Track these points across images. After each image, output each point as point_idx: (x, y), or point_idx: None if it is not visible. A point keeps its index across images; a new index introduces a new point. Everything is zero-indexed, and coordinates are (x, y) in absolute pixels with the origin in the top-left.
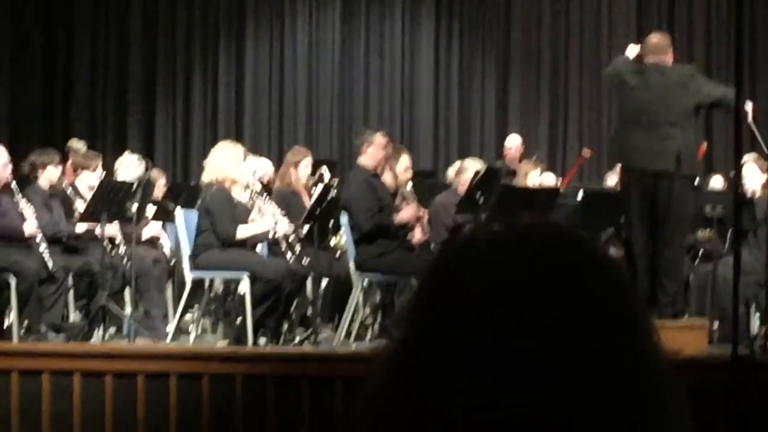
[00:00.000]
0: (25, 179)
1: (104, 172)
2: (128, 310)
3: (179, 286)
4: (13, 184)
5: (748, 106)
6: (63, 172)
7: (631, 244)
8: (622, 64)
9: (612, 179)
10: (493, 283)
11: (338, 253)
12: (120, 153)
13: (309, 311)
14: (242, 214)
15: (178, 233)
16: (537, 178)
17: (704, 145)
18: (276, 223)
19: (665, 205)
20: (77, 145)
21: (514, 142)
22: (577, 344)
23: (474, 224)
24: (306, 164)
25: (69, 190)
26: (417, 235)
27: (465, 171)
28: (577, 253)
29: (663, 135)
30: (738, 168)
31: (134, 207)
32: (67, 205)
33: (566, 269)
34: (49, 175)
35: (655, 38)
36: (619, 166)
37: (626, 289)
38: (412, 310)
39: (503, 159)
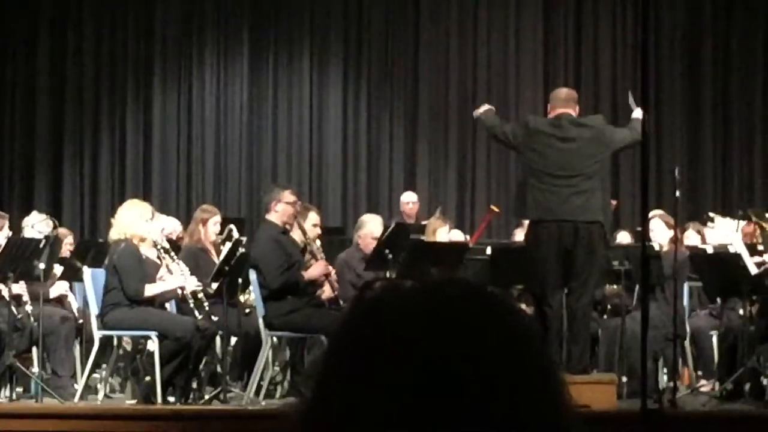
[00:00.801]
0: None
1: (11, 232)
2: (36, 369)
3: (87, 344)
4: None
5: (638, 112)
6: None
7: (542, 298)
8: (529, 121)
9: (519, 235)
10: (404, 340)
11: (247, 310)
12: (27, 212)
13: (218, 369)
14: (150, 271)
15: (86, 291)
16: (446, 234)
17: (614, 203)
18: (184, 281)
19: (581, 258)
20: None
21: (410, 198)
22: (488, 399)
23: (383, 282)
24: (214, 221)
25: None
26: (326, 292)
27: (363, 226)
28: (488, 309)
29: (582, 187)
30: (645, 223)
31: (41, 265)
32: None
33: (477, 325)
34: None
35: (564, 91)
36: (527, 222)
37: (537, 344)
38: (323, 367)
39: (401, 215)
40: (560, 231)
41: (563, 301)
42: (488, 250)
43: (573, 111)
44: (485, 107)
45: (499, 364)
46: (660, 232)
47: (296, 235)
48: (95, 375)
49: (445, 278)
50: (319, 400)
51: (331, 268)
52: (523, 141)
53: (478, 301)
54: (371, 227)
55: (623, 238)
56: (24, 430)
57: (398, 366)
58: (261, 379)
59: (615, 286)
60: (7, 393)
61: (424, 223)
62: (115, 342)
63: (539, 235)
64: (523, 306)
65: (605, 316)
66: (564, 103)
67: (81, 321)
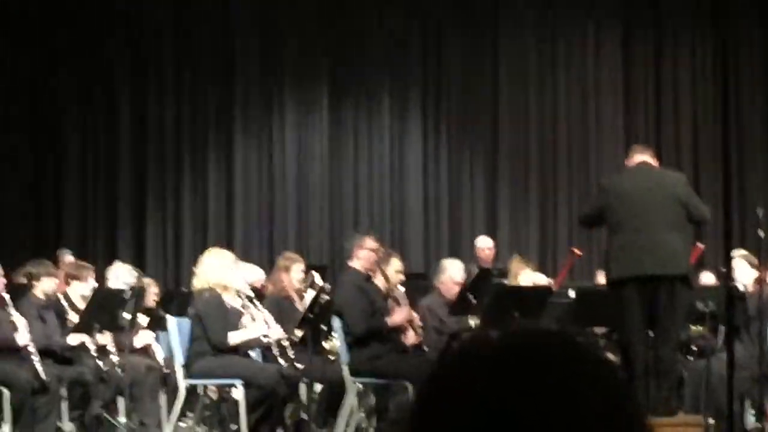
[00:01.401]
0: (17, 289)
1: (96, 283)
2: (122, 419)
3: (172, 393)
4: (5, 295)
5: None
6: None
7: (627, 344)
8: (603, 183)
9: (602, 277)
10: (493, 392)
11: (332, 356)
12: (111, 262)
13: (304, 416)
14: (234, 320)
15: (170, 341)
16: (528, 277)
17: (700, 246)
18: (268, 328)
19: (666, 307)
20: (65, 255)
21: (486, 244)
22: None
23: (471, 333)
24: (297, 269)
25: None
26: (410, 338)
27: (444, 271)
28: (578, 360)
29: (663, 236)
30: (729, 264)
31: (127, 316)
32: (60, 315)
33: (568, 378)
34: (44, 286)
35: (641, 145)
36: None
37: (624, 392)
38: (411, 419)
39: (476, 261)
40: (644, 282)
41: (648, 343)
42: (571, 293)
43: (651, 160)
44: None
45: (587, 412)
46: (744, 273)
47: (379, 281)
48: (181, 424)
49: (531, 328)
50: None
51: (414, 313)
52: (605, 203)
53: (566, 352)
54: (452, 272)
55: (707, 278)
56: None
57: (487, 420)
58: (347, 425)
59: (700, 328)
60: None
61: (505, 267)
62: (201, 391)
63: (622, 283)
64: (608, 354)
65: (690, 358)
66: (642, 152)
67: (166, 370)
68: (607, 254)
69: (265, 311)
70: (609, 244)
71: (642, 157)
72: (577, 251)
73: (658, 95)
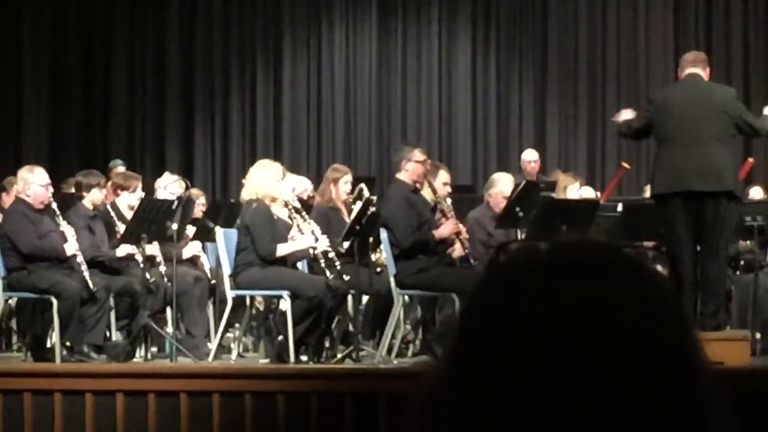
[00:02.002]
0: (67, 200)
1: (144, 193)
2: (170, 329)
3: (220, 304)
4: (54, 206)
5: None
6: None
7: (675, 257)
8: (653, 97)
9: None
10: (540, 304)
11: (378, 269)
12: (159, 173)
13: (350, 328)
14: (282, 231)
15: (218, 252)
16: (576, 191)
17: (750, 160)
18: (315, 240)
19: (712, 222)
20: (118, 166)
21: (531, 156)
22: (627, 362)
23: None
24: (345, 181)
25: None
26: (457, 251)
27: (495, 184)
28: (624, 270)
29: (712, 153)
30: None
31: (174, 226)
32: (109, 225)
33: (614, 288)
34: (93, 197)
35: (693, 54)
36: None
37: (672, 303)
38: (457, 329)
39: (521, 173)
40: (691, 198)
41: (697, 259)
42: (619, 207)
43: (703, 72)
44: (626, 114)
45: (636, 324)
46: None
47: (426, 193)
48: (228, 335)
49: (580, 239)
50: (453, 362)
51: (461, 226)
52: (653, 116)
53: (614, 263)
54: (502, 186)
55: (756, 193)
56: (158, 389)
57: (533, 329)
58: (393, 337)
59: (748, 242)
60: (143, 353)
61: (552, 180)
62: (248, 302)
63: (669, 197)
64: (657, 265)
65: (738, 272)
66: (692, 63)
67: (214, 281)
68: (654, 168)
69: (313, 223)
70: (656, 157)
71: (692, 69)
72: (626, 165)
73: (709, 8)
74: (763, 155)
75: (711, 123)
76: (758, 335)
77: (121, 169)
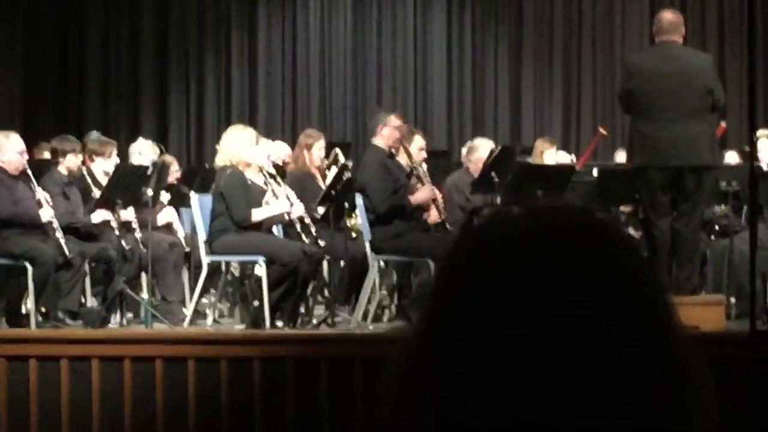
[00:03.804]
0: (42, 166)
1: (119, 159)
2: (145, 295)
3: (195, 270)
4: (29, 172)
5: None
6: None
7: (651, 222)
8: (628, 62)
9: (621, 156)
10: (513, 268)
11: (354, 234)
12: (134, 139)
13: (326, 293)
14: (257, 197)
15: (193, 217)
16: (553, 156)
17: (723, 125)
18: (291, 205)
19: (691, 192)
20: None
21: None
22: (600, 325)
23: (492, 209)
24: (319, 146)
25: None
26: (432, 216)
27: (476, 150)
28: (596, 234)
29: (690, 127)
30: (752, 143)
31: (149, 192)
32: (84, 192)
33: (587, 252)
34: (68, 163)
35: (669, 15)
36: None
37: (645, 267)
38: (431, 293)
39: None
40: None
41: (672, 223)
42: (595, 172)
43: (677, 37)
44: None
45: (609, 289)
46: (767, 151)
47: (402, 158)
48: (204, 300)
49: (553, 203)
50: (427, 326)
51: (437, 191)
52: (627, 86)
53: (588, 228)
54: (483, 152)
55: (731, 158)
56: (134, 354)
57: (508, 293)
58: (368, 303)
59: (723, 207)
60: (118, 319)
61: (525, 146)
62: (223, 267)
63: (646, 174)
64: (630, 230)
65: (713, 237)
66: (668, 30)
67: (188, 249)
68: (631, 139)
69: (288, 188)
70: (632, 129)
71: (668, 36)
72: (603, 130)
73: None
74: (738, 119)
75: (689, 95)
76: (733, 300)
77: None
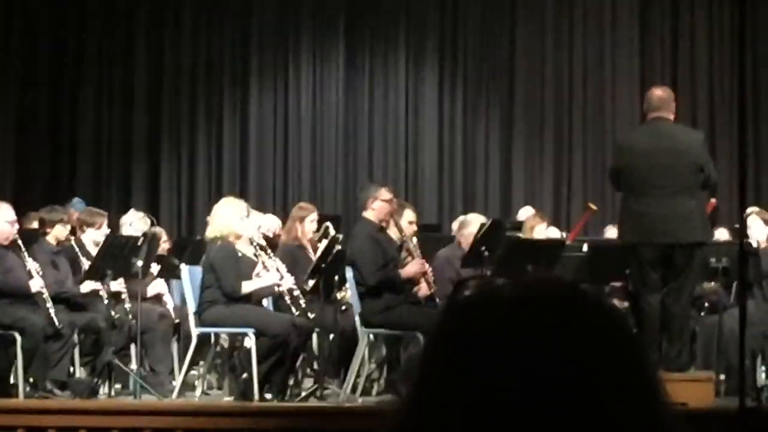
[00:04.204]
0: (30, 236)
1: (109, 230)
2: (134, 366)
3: (185, 342)
4: (19, 241)
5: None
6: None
7: (641, 297)
8: (619, 139)
9: (611, 232)
10: (501, 335)
11: (344, 307)
12: (125, 211)
13: (315, 366)
14: (247, 269)
15: (183, 289)
16: (543, 231)
17: (713, 201)
18: (281, 278)
19: (681, 268)
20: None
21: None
22: (587, 401)
23: (479, 280)
24: (311, 219)
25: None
26: (423, 290)
27: (468, 225)
28: (583, 308)
29: (681, 204)
30: (743, 220)
31: (139, 263)
32: (74, 262)
33: (573, 325)
34: (56, 233)
35: (659, 92)
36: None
37: (633, 342)
38: (419, 366)
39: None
40: (658, 249)
41: (662, 299)
42: (585, 247)
43: (669, 113)
44: None
45: (597, 365)
46: (757, 229)
47: (392, 232)
48: (193, 372)
49: (539, 277)
50: (416, 399)
51: (427, 265)
52: (618, 163)
53: (573, 300)
54: (474, 227)
55: (721, 234)
56: (122, 426)
57: (494, 366)
58: (357, 376)
59: (712, 284)
60: (106, 390)
61: (521, 220)
62: (213, 339)
63: (637, 250)
64: (616, 301)
65: (703, 314)
66: (659, 107)
67: (177, 320)
68: (622, 216)
69: (278, 260)
70: (623, 206)
71: (658, 113)
72: (593, 206)
73: (675, 48)
74: (728, 196)
75: (680, 172)
76: (722, 376)
77: (80, 207)
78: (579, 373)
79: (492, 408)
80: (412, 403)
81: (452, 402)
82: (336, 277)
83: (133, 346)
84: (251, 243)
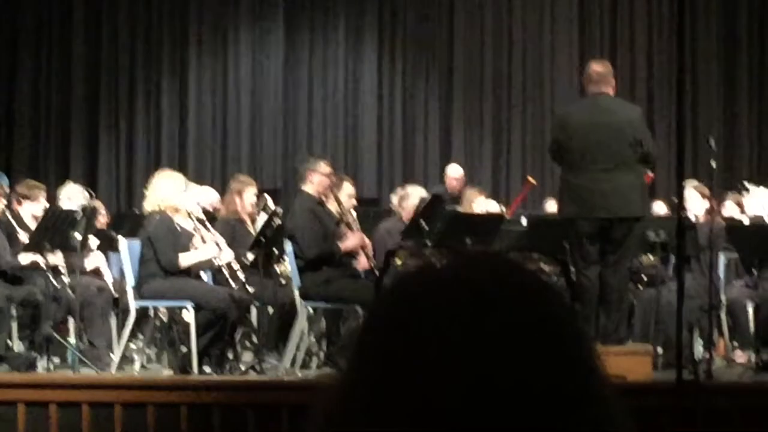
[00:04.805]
0: None
1: (47, 203)
2: (72, 340)
3: (123, 315)
4: None
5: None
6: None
7: (577, 269)
8: (559, 115)
9: (551, 205)
10: (437, 322)
11: (283, 280)
12: (63, 183)
13: (254, 339)
14: (185, 242)
15: (121, 262)
16: (482, 204)
17: (650, 174)
18: (219, 250)
19: (619, 242)
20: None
21: (456, 173)
22: (522, 376)
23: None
24: (250, 192)
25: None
26: (362, 263)
27: (408, 198)
28: (520, 286)
29: (620, 179)
30: (680, 193)
31: (78, 236)
32: (10, 235)
33: (509, 304)
34: None
35: (598, 67)
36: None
37: (570, 318)
38: (357, 343)
39: (444, 186)
40: (596, 223)
41: (599, 273)
42: (524, 221)
43: (609, 87)
44: None
45: (535, 342)
46: (695, 203)
47: (332, 206)
48: (132, 345)
49: (476, 253)
50: (354, 374)
51: (366, 239)
52: (557, 137)
53: (509, 279)
54: (415, 200)
55: (659, 208)
56: (61, 400)
57: (432, 348)
58: (297, 349)
59: (651, 257)
60: (45, 363)
61: (456, 195)
62: (152, 312)
63: (576, 224)
64: (558, 280)
65: (641, 287)
66: (598, 82)
67: (116, 294)
68: (561, 190)
69: (217, 234)
70: (562, 180)
71: (598, 88)
72: (532, 180)
73: (614, 23)
74: (666, 170)
75: (619, 147)
76: (660, 349)
77: (4, 182)
78: (513, 354)
79: (426, 384)
80: (349, 377)
81: (389, 385)
82: (275, 251)
83: (71, 320)
84: (189, 216)
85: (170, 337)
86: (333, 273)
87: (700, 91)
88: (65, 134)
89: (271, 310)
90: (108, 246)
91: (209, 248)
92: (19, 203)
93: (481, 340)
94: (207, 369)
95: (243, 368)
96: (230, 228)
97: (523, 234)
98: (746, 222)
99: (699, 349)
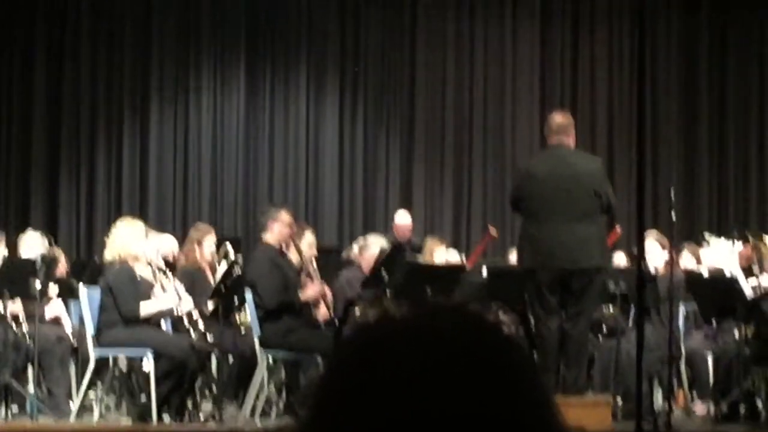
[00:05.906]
0: None
1: (7, 250)
2: (31, 388)
3: (83, 364)
4: None
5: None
6: None
7: (537, 320)
8: (523, 167)
9: (514, 255)
10: (397, 372)
11: (243, 330)
12: (23, 230)
13: (214, 388)
14: (146, 290)
15: (81, 311)
16: (443, 254)
17: (618, 230)
18: (179, 299)
19: (579, 293)
20: None
21: (404, 220)
22: (482, 424)
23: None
24: (210, 241)
25: None
26: (322, 313)
27: (368, 247)
28: (479, 337)
29: (581, 231)
30: (641, 246)
31: (38, 284)
32: None
33: (469, 355)
34: None
35: (558, 118)
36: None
37: (529, 370)
38: (317, 394)
39: (393, 234)
40: (557, 274)
41: (560, 323)
42: (484, 272)
43: (569, 138)
44: None
45: (494, 393)
46: (655, 254)
47: (292, 255)
48: (91, 394)
49: (436, 304)
50: (314, 424)
51: (327, 288)
52: (521, 188)
53: (468, 330)
54: (375, 249)
55: (619, 259)
56: None
57: (391, 399)
58: (256, 398)
59: (611, 308)
60: (3, 412)
61: (419, 245)
62: (111, 361)
63: (537, 275)
64: (519, 331)
65: (601, 338)
66: (557, 132)
67: (75, 344)
68: (521, 242)
69: (177, 282)
70: (522, 231)
71: (557, 139)
72: (492, 232)
73: (575, 72)
74: (626, 221)
75: (579, 198)
76: (620, 400)
77: None
78: (473, 405)
79: None
80: (308, 427)
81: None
82: (236, 300)
83: (30, 368)
84: (150, 265)
85: (129, 386)
86: (293, 322)
87: (660, 139)
88: (25, 182)
89: (231, 359)
90: (68, 294)
91: (169, 297)
92: None
93: (441, 390)
94: (166, 418)
95: (202, 417)
96: (190, 277)
97: (483, 284)
98: (705, 273)
99: (659, 399)
